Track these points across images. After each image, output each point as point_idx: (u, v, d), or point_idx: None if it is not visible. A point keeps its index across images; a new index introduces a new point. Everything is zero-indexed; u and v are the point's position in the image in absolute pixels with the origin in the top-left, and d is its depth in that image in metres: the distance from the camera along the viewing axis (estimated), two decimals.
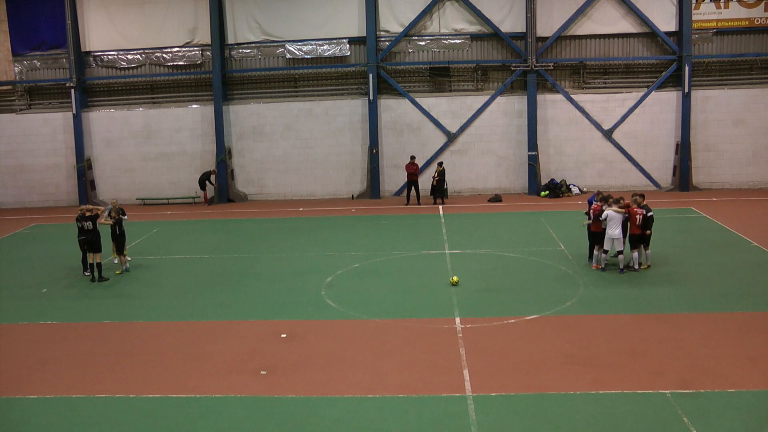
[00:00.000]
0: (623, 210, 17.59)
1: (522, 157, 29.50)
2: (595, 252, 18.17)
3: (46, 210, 30.27)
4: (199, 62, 30.29)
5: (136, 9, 29.92)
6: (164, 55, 30.37)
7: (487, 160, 29.81)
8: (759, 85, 28.88)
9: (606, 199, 17.92)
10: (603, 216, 17.54)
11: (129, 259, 19.71)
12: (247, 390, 11.92)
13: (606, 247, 17.83)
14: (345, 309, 15.86)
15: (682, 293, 16.16)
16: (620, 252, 17.64)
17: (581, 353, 12.89)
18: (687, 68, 28.34)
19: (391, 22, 29.31)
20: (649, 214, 17.73)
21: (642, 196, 17.99)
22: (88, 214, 18.60)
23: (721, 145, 29.13)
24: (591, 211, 18.07)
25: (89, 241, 18.54)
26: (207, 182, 29.67)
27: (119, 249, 19.44)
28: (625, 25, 28.72)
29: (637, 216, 17.51)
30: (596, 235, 18.01)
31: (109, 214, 19.44)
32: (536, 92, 28.99)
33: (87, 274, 19.02)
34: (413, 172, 27.92)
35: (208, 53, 29.98)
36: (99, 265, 18.67)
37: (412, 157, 28.14)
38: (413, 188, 27.97)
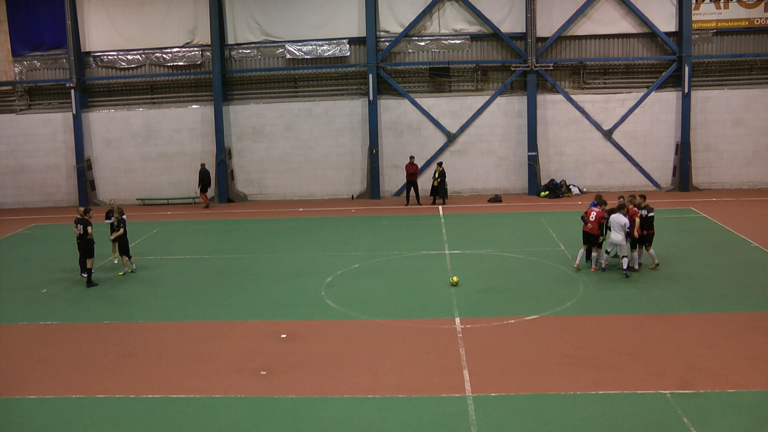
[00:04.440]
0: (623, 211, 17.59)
1: (522, 158, 29.51)
2: (594, 254, 18.12)
3: (46, 210, 30.27)
4: (199, 62, 30.30)
5: (136, 9, 29.94)
6: (164, 56, 30.38)
7: (487, 161, 29.81)
8: (759, 86, 28.89)
9: (604, 203, 17.94)
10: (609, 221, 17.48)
11: (133, 262, 19.63)
12: (247, 390, 11.91)
13: (608, 248, 17.80)
14: (345, 309, 15.86)
15: (682, 293, 16.16)
16: (624, 256, 17.43)
17: (581, 353, 12.89)
18: (687, 68, 28.35)
19: (391, 22, 29.32)
20: (650, 214, 17.74)
21: (643, 197, 18.00)
22: (78, 216, 18.49)
23: (720, 145, 29.14)
24: (586, 215, 18.03)
25: (80, 246, 18.49)
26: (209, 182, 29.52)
27: (123, 250, 19.40)
28: (625, 25, 28.73)
29: (636, 217, 17.54)
30: (590, 236, 17.97)
31: (108, 216, 19.45)
32: (536, 92, 29.00)
33: (84, 275, 18.97)
34: (413, 172, 27.92)
35: (208, 53, 29.99)
36: (89, 270, 18.48)
37: (412, 158, 28.15)
38: (413, 188, 27.97)
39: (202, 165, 29.42)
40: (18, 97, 31.19)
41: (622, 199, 18.06)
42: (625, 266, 17.49)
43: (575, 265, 18.20)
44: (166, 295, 17.58)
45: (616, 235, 17.28)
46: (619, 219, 17.26)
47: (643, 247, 18.00)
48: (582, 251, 18.31)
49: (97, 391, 12.05)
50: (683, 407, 10.71)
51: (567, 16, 28.59)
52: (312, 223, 25.64)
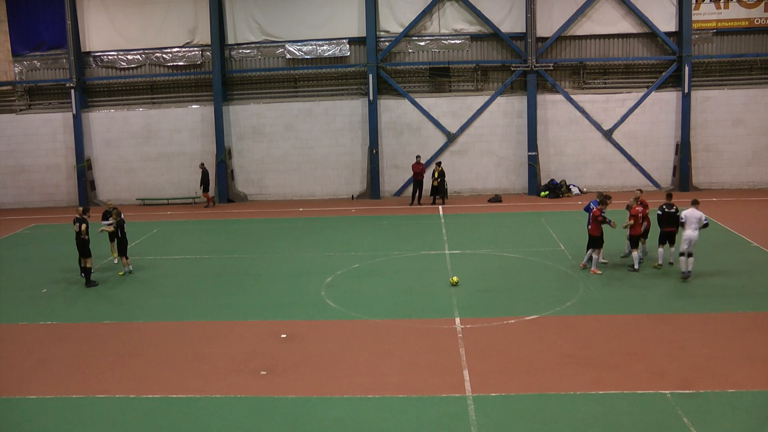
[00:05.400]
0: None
1: (522, 158, 29.51)
2: (594, 256, 18.03)
3: (46, 210, 30.27)
4: (199, 62, 30.30)
5: (136, 9, 29.94)
6: (164, 56, 30.38)
7: (487, 161, 29.81)
8: (759, 86, 28.89)
9: (605, 200, 17.85)
10: (682, 217, 16.95)
11: (130, 263, 19.57)
12: (247, 390, 11.91)
13: (682, 248, 16.91)
14: (345, 309, 15.86)
15: (682, 293, 16.17)
16: (690, 254, 16.93)
17: (581, 353, 12.89)
18: (687, 68, 28.35)
19: (391, 22, 29.32)
20: (652, 213, 17.94)
21: (669, 195, 18.08)
22: (77, 215, 18.41)
23: (721, 145, 29.14)
24: (590, 214, 17.95)
25: (77, 245, 18.37)
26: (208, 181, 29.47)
27: (121, 251, 19.37)
28: (625, 25, 28.73)
29: (639, 215, 17.60)
30: (594, 238, 17.88)
31: (105, 217, 19.41)
32: (536, 92, 29.00)
33: (83, 276, 18.91)
34: (419, 171, 27.99)
35: (208, 53, 29.99)
36: (87, 270, 18.38)
37: (418, 157, 28.25)
38: (418, 188, 28.04)
39: (201, 165, 29.39)
40: (18, 97, 31.19)
41: (639, 192, 18.45)
42: (685, 268, 16.91)
43: (594, 272, 17.92)
44: (166, 295, 17.58)
45: (692, 232, 16.64)
46: (694, 213, 16.70)
47: (666, 243, 18.07)
48: (594, 256, 18.01)
49: (97, 391, 12.05)
50: (683, 407, 10.71)
51: (567, 16, 28.59)
52: (312, 223, 25.64)
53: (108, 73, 30.82)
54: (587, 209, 18.33)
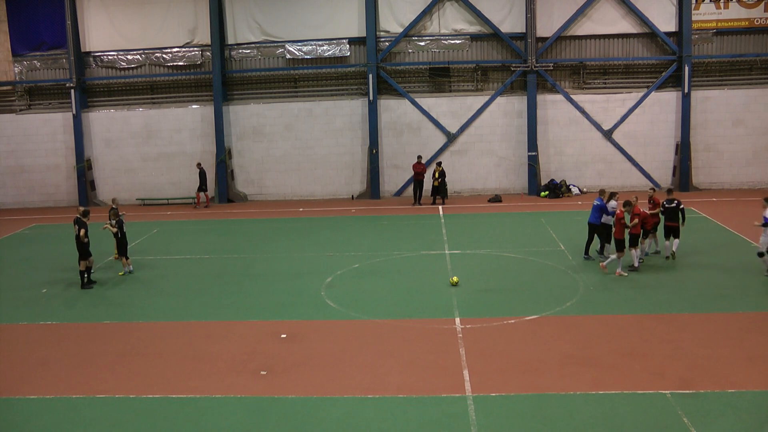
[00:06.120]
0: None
1: (522, 158, 29.51)
2: (613, 255, 17.85)
3: (46, 210, 30.27)
4: (199, 62, 30.30)
5: (136, 9, 29.94)
6: (164, 56, 30.38)
7: (487, 161, 29.81)
8: (759, 86, 28.89)
9: (628, 203, 17.68)
10: (765, 219, 16.47)
11: (130, 263, 19.52)
12: (247, 390, 11.91)
13: (763, 248, 16.81)
14: (345, 309, 15.86)
15: (682, 293, 16.17)
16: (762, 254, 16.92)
17: (581, 353, 12.89)
18: (687, 68, 28.36)
19: (391, 22, 29.32)
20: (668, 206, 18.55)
21: (670, 191, 19.00)
22: (77, 216, 18.29)
23: (720, 145, 29.15)
24: (614, 217, 17.80)
25: (76, 245, 18.14)
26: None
27: (121, 251, 19.33)
28: (625, 25, 28.74)
29: (640, 215, 17.71)
30: (619, 241, 17.56)
31: (110, 216, 19.41)
32: (536, 92, 29.00)
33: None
34: (420, 171, 28.01)
35: (208, 53, 29.99)
36: (81, 272, 18.19)
37: (419, 157, 28.28)
38: (419, 188, 28.08)
39: (198, 165, 29.27)
40: (18, 97, 31.20)
41: (652, 191, 19.13)
42: None
43: (604, 267, 17.84)
44: (166, 295, 17.57)
45: None
46: None
47: (671, 237, 18.56)
48: (606, 255, 18.10)
49: (97, 391, 12.04)
50: (683, 407, 10.71)
51: (567, 16, 28.60)
52: (312, 223, 25.64)
53: (108, 73, 30.83)
54: (605, 210, 18.29)
